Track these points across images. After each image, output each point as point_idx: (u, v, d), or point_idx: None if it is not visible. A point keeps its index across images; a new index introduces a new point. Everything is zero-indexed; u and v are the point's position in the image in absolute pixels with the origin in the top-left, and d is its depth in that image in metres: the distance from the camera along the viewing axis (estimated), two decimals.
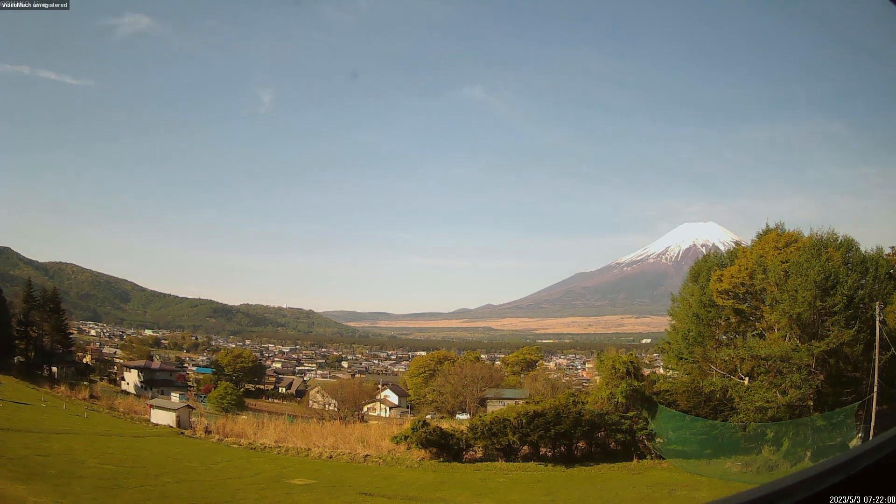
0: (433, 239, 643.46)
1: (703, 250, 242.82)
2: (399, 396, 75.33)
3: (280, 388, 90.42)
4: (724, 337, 34.85)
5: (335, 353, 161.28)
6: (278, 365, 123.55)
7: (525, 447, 31.01)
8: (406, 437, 31.05)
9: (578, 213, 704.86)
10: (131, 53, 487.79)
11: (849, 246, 33.27)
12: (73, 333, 79.11)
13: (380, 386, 75.46)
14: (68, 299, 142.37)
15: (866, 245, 33.73)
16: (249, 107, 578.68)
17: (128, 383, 69.22)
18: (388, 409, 68.49)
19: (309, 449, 33.12)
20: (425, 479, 27.14)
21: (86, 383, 59.93)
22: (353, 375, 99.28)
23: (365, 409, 55.23)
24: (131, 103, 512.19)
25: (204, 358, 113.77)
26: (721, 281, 34.12)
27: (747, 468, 27.56)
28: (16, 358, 58.88)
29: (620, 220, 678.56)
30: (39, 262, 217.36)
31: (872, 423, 25.97)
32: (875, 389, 26.47)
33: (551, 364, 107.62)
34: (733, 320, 34.34)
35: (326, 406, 54.99)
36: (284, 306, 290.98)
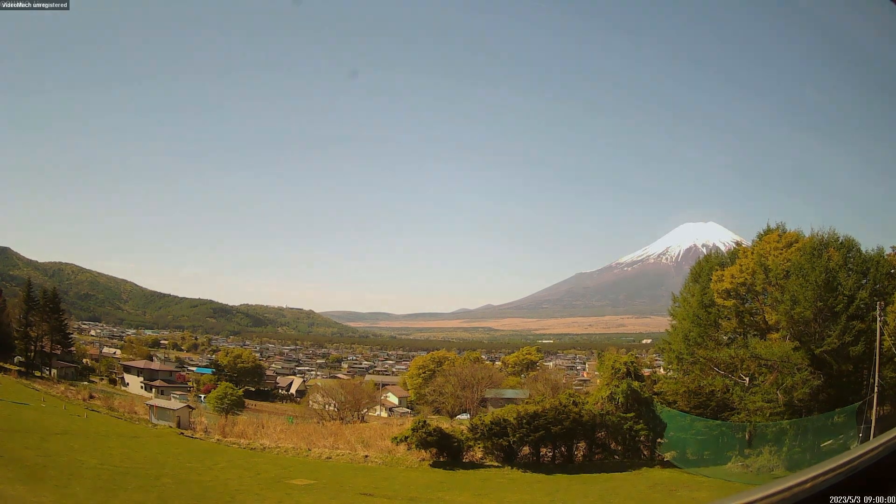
0: (433, 239, 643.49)
1: (704, 250, 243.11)
2: (399, 397, 75.36)
3: (280, 389, 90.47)
4: (724, 337, 34.87)
5: (335, 354, 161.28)
6: (278, 365, 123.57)
7: (525, 447, 31.01)
8: (406, 438, 31.03)
9: (578, 213, 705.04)
10: (130, 52, 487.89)
11: (850, 246, 33.32)
12: (72, 334, 79.20)
13: (380, 387, 75.45)
14: (68, 299, 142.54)
15: (867, 245, 33.84)
16: (247, 103, 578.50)
17: (127, 384, 69.24)
18: (388, 409, 68.51)
19: (309, 449, 33.12)
20: (425, 480, 27.13)
21: (85, 383, 60.02)
22: (352, 376, 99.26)
23: (365, 409, 55.18)
24: (131, 104, 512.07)
25: (203, 358, 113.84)
26: (722, 281, 34.19)
27: (748, 468, 27.54)
28: (16, 358, 58.98)
29: (621, 220, 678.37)
30: (39, 263, 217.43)
31: (873, 423, 25.98)
32: (875, 389, 26.48)
33: (551, 364, 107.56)
34: (734, 320, 34.38)
35: (326, 406, 54.91)
36: (284, 306, 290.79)
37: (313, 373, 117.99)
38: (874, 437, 23.91)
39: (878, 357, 26.88)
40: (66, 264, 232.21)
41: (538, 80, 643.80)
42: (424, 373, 75.47)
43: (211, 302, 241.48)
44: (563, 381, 67.13)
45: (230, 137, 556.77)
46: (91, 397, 47.65)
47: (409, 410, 67.81)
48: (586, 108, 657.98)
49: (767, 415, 28.06)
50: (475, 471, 29.57)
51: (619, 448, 31.59)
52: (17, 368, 56.57)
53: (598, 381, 46.12)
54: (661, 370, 49.44)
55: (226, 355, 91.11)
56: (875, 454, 2.85)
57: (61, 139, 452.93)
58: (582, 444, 31.76)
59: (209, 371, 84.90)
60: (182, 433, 37.14)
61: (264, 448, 33.64)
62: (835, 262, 31.39)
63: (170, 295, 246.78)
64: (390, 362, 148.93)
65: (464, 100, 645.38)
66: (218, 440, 35.76)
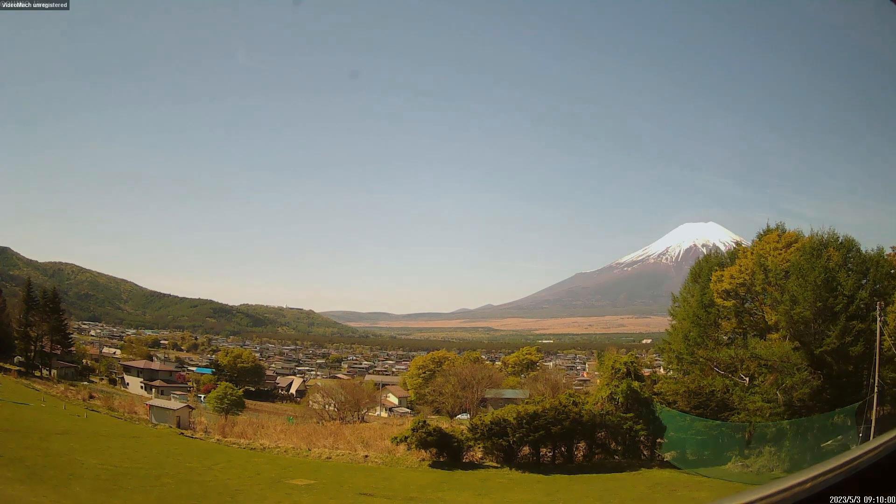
0: (433, 239, 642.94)
1: (704, 250, 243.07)
2: (399, 397, 75.35)
3: (280, 389, 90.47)
4: (724, 337, 34.85)
5: (335, 354, 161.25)
6: (278, 365, 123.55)
7: (525, 447, 31.00)
8: (406, 438, 31.01)
9: (579, 213, 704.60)
10: (128, 53, 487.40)
11: (849, 246, 33.30)
12: (72, 334, 79.17)
13: (380, 387, 75.44)
14: (68, 299, 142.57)
15: (867, 245, 33.84)
16: (248, 105, 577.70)
17: (127, 384, 69.26)
18: (388, 409, 68.50)
19: (309, 449, 33.11)
20: (425, 480, 27.12)
21: (85, 383, 60.05)
22: (352, 376, 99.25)
23: (365, 409, 55.19)
24: (130, 101, 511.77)
25: (203, 358, 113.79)
26: (721, 281, 34.17)
27: (747, 469, 27.54)
28: (16, 358, 58.99)
29: (621, 220, 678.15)
30: (39, 263, 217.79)
31: (873, 423, 25.97)
32: (875, 390, 26.47)
33: (550, 364, 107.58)
34: (734, 320, 34.37)
35: (326, 406, 54.90)
36: (284, 306, 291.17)
37: (313, 373, 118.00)
38: (874, 437, 23.92)
39: (878, 357, 26.86)
40: (66, 264, 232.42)
41: (539, 78, 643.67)
42: (424, 373, 75.48)
43: (211, 302, 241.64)
44: (563, 381, 67.14)
45: (230, 137, 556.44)
46: (91, 397, 47.66)
47: (409, 410, 67.81)
48: (586, 107, 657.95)
49: (767, 415, 28.03)
50: (475, 471, 29.54)
51: (619, 448, 31.55)
52: (17, 368, 56.59)
53: (598, 381, 46.14)
54: (661, 370, 49.45)
55: (226, 355, 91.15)
56: (875, 454, 2.85)
57: (61, 138, 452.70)
58: (582, 445, 31.71)
59: (209, 371, 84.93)
60: (182, 433, 37.13)
61: (264, 448, 33.62)
62: (834, 262, 31.36)
63: (170, 295, 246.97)
64: (390, 362, 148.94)
65: (465, 99, 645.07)
66: (218, 440, 35.75)
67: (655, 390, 33.05)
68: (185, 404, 44.17)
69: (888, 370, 27.72)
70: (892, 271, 32.42)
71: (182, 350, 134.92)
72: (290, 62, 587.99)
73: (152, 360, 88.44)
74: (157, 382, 68.29)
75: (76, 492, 18.43)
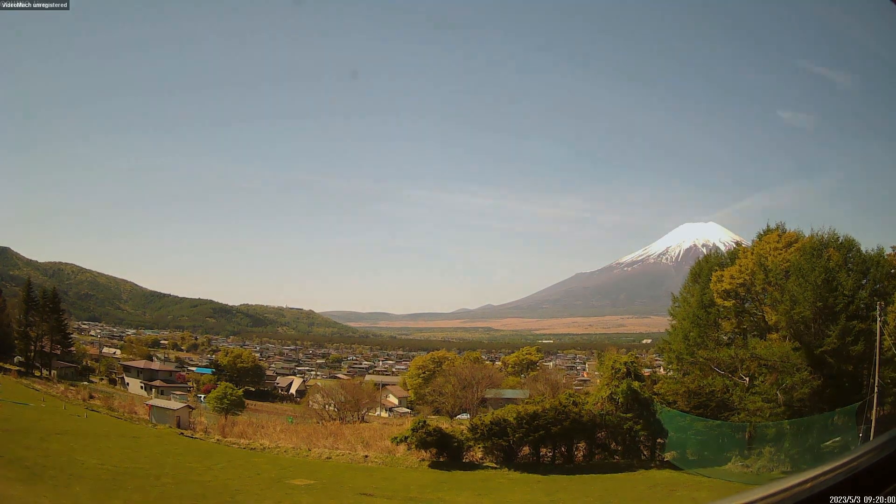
0: (433, 239, 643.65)
1: (704, 250, 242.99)
2: (399, 397, 75.35)
3: (280, 389, 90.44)
4: (724, 337, 34.87)
5: (335, 354, 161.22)
6: (278, 365, 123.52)
7: (525, 448, 31.00)
8: (406, 438, 31.02)
9: (579, 213, 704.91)
10: (128, 49, 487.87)
11: (849, 246, 33.32)
12: (72, 334, 79.18)
13: (380, 387, 75.44)
14: (68, 299, 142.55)
15: (867, 245, 33.85)
16: (249, 104, 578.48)
17: (127, 384, 69.24)
18: (388, 409, 68.49)
19: (309, 449, 33.12)
20: (425, 480, 27.13)
21: (85, 383, 60.06)
22: (352, 376, 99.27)
23: (365, 409, 55.19)
24: (129, 98, 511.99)
25: (203, 358, 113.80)
26: (721, 281, 34.21)
27: (747, 469, 27.54)
28: (16, 358, 59.02)
29: (621, 220, 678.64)
30: (39, 263, 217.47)
31: (873, 424, 25.97)
32: (875, 390, 26.47)
33: (550, 364, 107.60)
34: (734, 321, 34.39)
35: (326, 406, 54.88)
36: (284, 306, 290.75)
37: (313, 373, 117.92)
38: (874, 437, 23.93)
39: (878, 357, 26.86)
40: (66, 264, 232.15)
41: (539, 78, 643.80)
42: (424, 373, 75.45)
43: (211, 302, 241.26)
44: (563, 381, 67.21)
45: (232, 136, 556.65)
46: (91, 397, 47.67)
47: (409, 410, 67.81)
48: (586, 107, 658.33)
49: (767, 415, 28.04)
50: (475, 471, 29.54)
51: (619, 448, 31.54)
52: (17, 368, 56.61)
53: (598, 381, 46.12)
54: (661, 370, 49.49)
55: (226, 355, 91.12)
56: (875, 454, 2.86)
57: (61, 137, 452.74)
58: (582, 445, 31.71)
59: (209, 371, 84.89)
60: (182, 433, 37.15)
61: (264, 448, 33.63)
62: (835, 262, 31.39)
63: (170, 295, 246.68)
64: (390, 362, 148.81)
65: (464, 98, 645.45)
66: (218, 440, 35.76)
67: (655, 390, 33.03)
68: (184, 404, 44.18)
69: (888, 370, 27.73)
70: (893, 271, 32.44)
71: (182, 350, 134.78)
72: (290, 60, 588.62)
73: (152, 360, 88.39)
74: (156, 382, 68.24)
75: (76, 492, 18.42)
